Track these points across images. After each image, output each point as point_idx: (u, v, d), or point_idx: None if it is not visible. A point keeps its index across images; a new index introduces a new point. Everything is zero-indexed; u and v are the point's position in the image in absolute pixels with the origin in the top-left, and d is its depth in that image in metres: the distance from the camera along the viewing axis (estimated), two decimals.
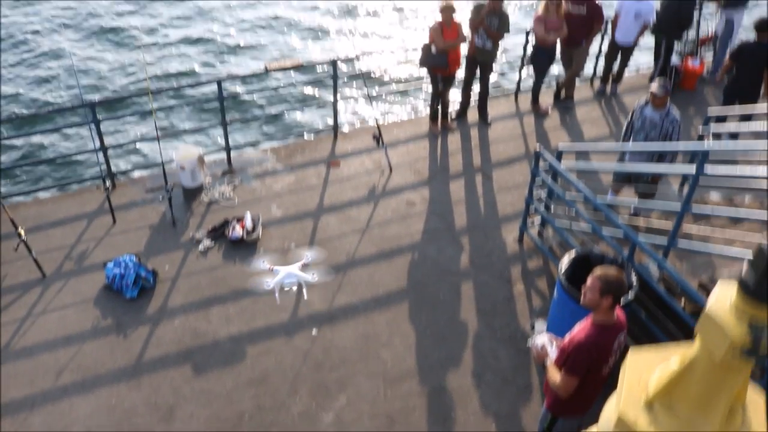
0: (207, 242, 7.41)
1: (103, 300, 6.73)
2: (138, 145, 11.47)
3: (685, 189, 7.58)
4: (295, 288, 6.89)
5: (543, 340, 4.43)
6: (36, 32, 15.28)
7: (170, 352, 6.22)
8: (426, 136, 9.46)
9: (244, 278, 6.99)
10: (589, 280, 4.06)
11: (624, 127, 7.55)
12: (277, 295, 6.79)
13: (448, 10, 8.57)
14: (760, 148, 6.22)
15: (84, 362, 6.09)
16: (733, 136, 8.20)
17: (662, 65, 10.40)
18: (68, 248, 7.36)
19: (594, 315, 4.12)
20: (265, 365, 6.10)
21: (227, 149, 8.80)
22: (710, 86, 10.84)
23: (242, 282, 6.95)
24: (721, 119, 8.78)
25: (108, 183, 8.16)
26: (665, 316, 5.74)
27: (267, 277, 6.96)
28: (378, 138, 8.61)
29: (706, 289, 5.88)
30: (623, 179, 7.61)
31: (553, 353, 4.31)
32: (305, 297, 6.79)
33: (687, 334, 5.09)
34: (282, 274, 6.97)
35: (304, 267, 7.11)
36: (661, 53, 10.36)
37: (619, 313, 4.17)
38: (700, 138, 8.15)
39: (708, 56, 11.25)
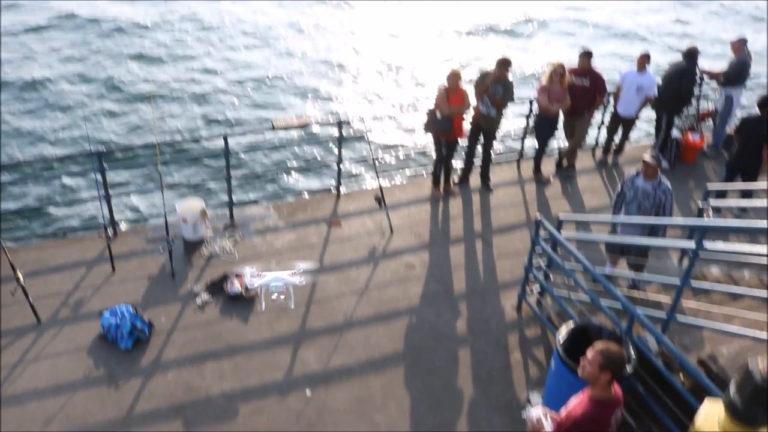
0: (205, 296, 7.39)
1: (97, 349, 6.67)
2: (142, 196, 11.56)
3: (685, 262, 7.63)
4: (282, 297, 6.87)
5: (538, 413, 4.37)
6: (48, 80, 15.57)
7: (162, 406, 6.13)
8: (428, 200, 9.54)
9: (240, 334, 6.94)
10: (590, 354, 4.04)
11: (614, 198, 7.62)
12: (262, 298, 6.76)
13: (454, 77, 8.76)
14: (760, 226, 6.26)
15: (73, 413, 6.00)
16: (743, 210, 8.29)
17: (663, 138, 10.59)
18: (66, 295, 7.35)
19: (592, 389, 4.08)
20: (257, 425, 6.00)
21: (230, 204, 8.86)
22: (710, 160, 10.99)
23: (238, 338, 6.90)
24: (722, 194, 8.90)
25: (110, 231, 8.19)
26: (663, 391, 5.68)
27: (254, 279, 6.96)
28: (380, 200, 8.68)
29: (705, 366, 5.84)
30: (616, 250, 7.66)
31: (548, 426, 4.26)
32: (292, 306, 6.72)
33: (685, 410, 5.03)
34: (269, 277, 6.97)
35: (293, 275, 7.14)
36: (662, 127, 10.56)
37: (616, 387, 4.13)
38: (700, 212, 8.21)
39: (708, 131, 11.46)
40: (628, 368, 5.27)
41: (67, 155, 11.89)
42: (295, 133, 13.64)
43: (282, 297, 6.87)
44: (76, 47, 17.57)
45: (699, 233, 5.86)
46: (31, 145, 13.07)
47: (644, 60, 10.03)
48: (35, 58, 16.79)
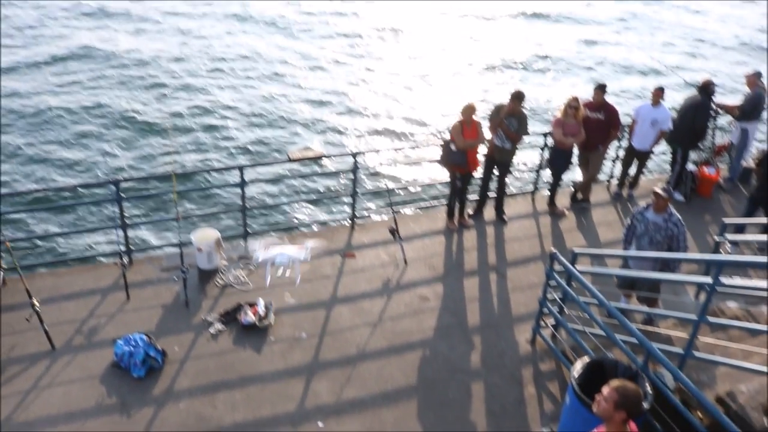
0: (218, 326, 7.39)
1: (109, 377, 6.68)
2: (157, 225, 11.63)
3: (701, 297, 7.56)
4: (288, 272, 6.90)
5: None
6: (66, 111, 15.82)
7: None
8: (442, 232, 9.54)
9: (253, 364, 6.93)
10: (606, 391, 3.99)
11: (624, 232, 7.58)
12: (268, 270, 6.77)
13: (469, 111, 8.82)
14: None
15: None
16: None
17: (678, 172, 10.57)
18: (80, 322, 7.38)
19: (606, 426, 4.03)
20: None
21: (245, 234, 8.91)
22: (726, 194, 10.94)
23: (251, 368, 6.88)
24: (739, 228, 8.83)
25: (125, 259, 8.25)
26: (680, 429, 5.58)
27: (260, 253, 7.03)
28: (394, 231, 8.69)
29: (724, 403, 5.75)
30: (627, 284, 7.60)
31: None
32: (297, 280, 6.71)
33: None
34: (275, 251, 6.99)
35: (299, 251, 7.20)
36: (677, 160, 10.54)
37: (631, 425, 4.07)
38: (717, 246, 8.15)
39: (724, 164, 11.43)
40: (645, 405, 5.20)
41: (84, 183, 12.03)
42: (310, 165, 13.73)
43: (288, 273, 6.89)
44: (94, 79, 17.87)
45: (716, 268, 5.81)
46: (48, 174, 13.25)
47: (659, 94, 10.06)
48: (53, 89, 17.09)
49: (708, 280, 5.92)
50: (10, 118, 15.23)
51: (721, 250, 8.02)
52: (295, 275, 6.89)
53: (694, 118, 10.17)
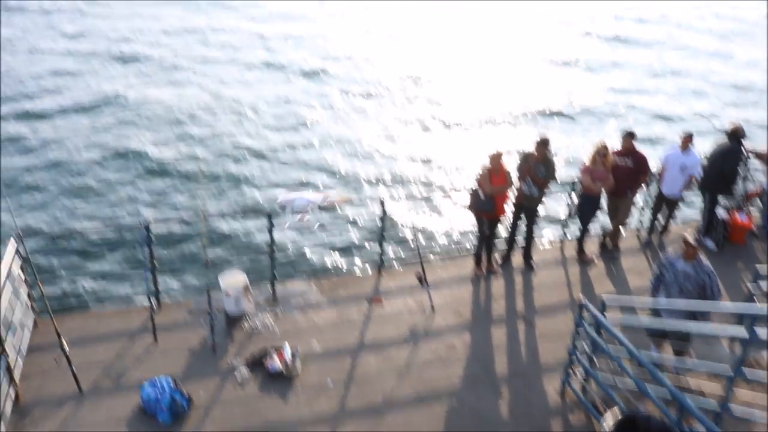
0: (244, 371, 7.38)
1: (135, 421, 6.68)
2: (186, 268, 11.73)
3: (736, 348, 7.37)
4: (307, 217, 6.98)
5: None
6: (98, 159, 16.14)
7: None
8: (470, 279, 9.49)
9: (279, 411, 6.88)
10: None
11: (652, 281, 7.47)
12: (289, 214, 6.88)
13: (496, 158, 8.85)
14: None
15: None
16: None
17: (708, 219, 10.43)
18: (108, 365, 7.43)
19: None
20: None
21: (272, 278, 8.94)
22: (759, 241, 10.75)
23: (277, 415, 6.84)
24: None
25: (154, 303, 8.31)
26: None
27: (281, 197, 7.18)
28: (422, 278, 8.66)
29: None
30: (657, 334, 7.45)
31: None
32: (315, 224, 6.84)
33: None
34: (295, 195, 7.11)
35: (317, 195, 7.35)
36: (708, 207, 10.42)
37: None
38: (750, 295, 7.98)
39: (757, 211, 11.25)
40: None
41: (115, 227, 12.22)
42: (337, 211, 13.81)
43: (307, 218, 7.03)
44: (123, 125, 18.25)
45: (750, 319, 5.68)
46: (78, 218, 13.47)
47: (688, 140, 9.99)
48: (83, 135, 17.47)
49: (742, 331, 5.79)
50: (41, 164, 15.58)
51: (755, 299, 7.85)
52: (312, 220, 7.11)
53: (724, 163, 10.08)
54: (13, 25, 27.25)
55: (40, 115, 18.55)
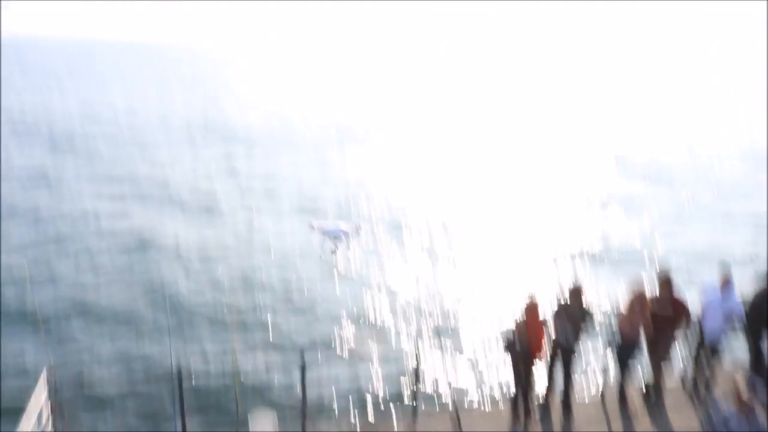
0: None
1: None
2: (216, 411, 11.53)
3: None
4: (337, 245, 6.81)
5: None
6: (132, 306, 16.37)
7: None
8: (507, 427, 9.11)
9: None
10: None
11: None
12: (325, 240, 6.89)
13: (532, 309, 8.76)
14: None
15: None
16: None
17: (755, 363, 10.01)
18: None
19: None
20: None
21: (303, 420, 8.65)
22: None
23: None
24: None
25: None
26: None
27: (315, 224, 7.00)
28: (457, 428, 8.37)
29: None
30: None
31: None
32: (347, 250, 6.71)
33: None
34: (328, 222, 7.21)
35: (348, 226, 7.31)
36: (753, 343, 10.04)
37: None
38: None
39: None
40: None
41: (147, 373, 12.20)
42: (370, 361, 13.58)
43: (338, 246, 7.12)
44: (154, 268, 18.67)
45: None
46: (111, 366, 13.49)
47: (726, 281, 9.79)
48: (117, 282, 17.88)
49: None
50: (70, 315, 15.85)
51: None
52: (344, 247, 7.17)
53: (765, 305, 9.80)
54: (66, 169, 28.88)
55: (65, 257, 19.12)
